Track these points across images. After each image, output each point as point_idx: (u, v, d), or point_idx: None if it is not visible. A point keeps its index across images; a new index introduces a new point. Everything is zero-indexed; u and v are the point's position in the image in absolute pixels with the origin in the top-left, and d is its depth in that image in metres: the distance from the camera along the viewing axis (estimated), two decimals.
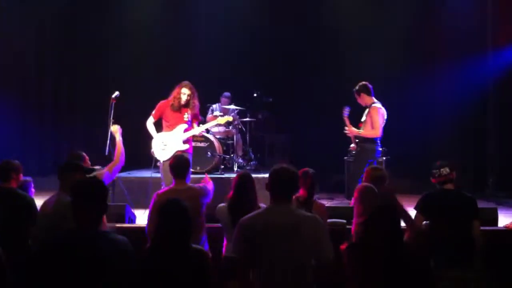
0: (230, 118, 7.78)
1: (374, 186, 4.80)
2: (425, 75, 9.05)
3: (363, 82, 7.11)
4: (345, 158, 8.36)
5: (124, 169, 5.90)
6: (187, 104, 6.98)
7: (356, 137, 7.14)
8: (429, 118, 9.53)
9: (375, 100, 7.05)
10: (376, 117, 6.89)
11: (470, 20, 9.38)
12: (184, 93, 6.92)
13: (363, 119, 7.11)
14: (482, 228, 4.88)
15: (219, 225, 5.31)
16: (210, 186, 5.37)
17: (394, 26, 9.67)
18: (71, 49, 10.49)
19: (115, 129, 5.84)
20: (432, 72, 9.39)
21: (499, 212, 6.44)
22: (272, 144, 10.55)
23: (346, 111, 7.07)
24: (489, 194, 8.88)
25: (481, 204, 5.99)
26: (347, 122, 7.09)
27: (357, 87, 7.10)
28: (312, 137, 10.08)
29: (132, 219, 6.27)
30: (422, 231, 4.75)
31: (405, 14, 9.67)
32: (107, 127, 6.55)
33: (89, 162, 5.36)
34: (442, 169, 4.87)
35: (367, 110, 7.04)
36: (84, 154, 5.28)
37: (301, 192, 4.93)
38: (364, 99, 7.07)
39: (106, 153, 7.03)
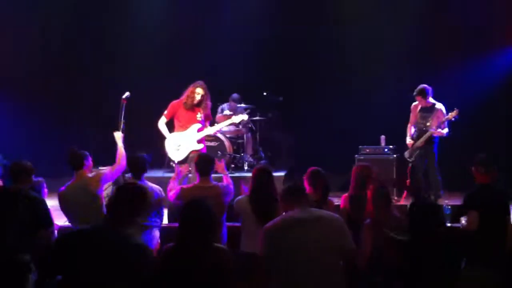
0: (245, 117, 7.75)
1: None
2: (430, 73, 8.95)
3: (425, 86, 7.50)
4: (356, 156, 8.36)
5: None
6: (199, 104, 6.98)
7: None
8: None
9: (434, 101, 7.56)
10: (443, 116, 7.39)
11: (478, 18, 9.32)
12: (198, 93, 6.94)
13: (425, 116, 7.52)
14: None
15: (235, 224, 5.39)
16: (231, 186, 5.45)
17: (402, 26, 9.61)
18: (79, 48, 10.54)
19: (118, 136, 5.96)
20: (438, 70, 9.31)
21: None
22: (281, 143, 10.55)
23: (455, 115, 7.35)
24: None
25: None
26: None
27: (420, 90, 7.49)
28: (321, 136, 10.07)
29: None
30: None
31: (412, 14, 9.61)
32: (118, 128, 6.58)
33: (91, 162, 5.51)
34: (492, 167, 4.83)
35: (433, 110, 7.50)
36: (87, 152, 5.48)
37: (312, 191, 4.93)
38: (429, 101, 7.53)
39: None
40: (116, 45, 10.53)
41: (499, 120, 9.30)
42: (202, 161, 5.34)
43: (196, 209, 3.52)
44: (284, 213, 3.85)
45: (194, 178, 5.98)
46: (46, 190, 5.37)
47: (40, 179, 5.32)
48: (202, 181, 5.24)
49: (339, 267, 3.57)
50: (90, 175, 5.39)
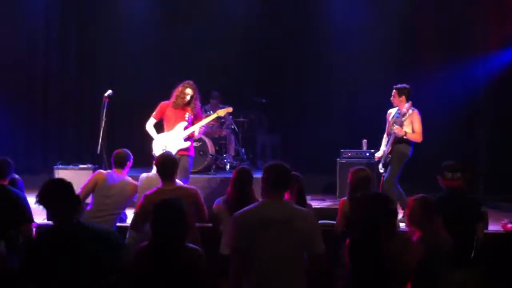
0: (230, 109, 7.62)
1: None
2: (413, 78, 8.97)
3: (406, 85, 7.00)
4: (338, 159, 8.39)
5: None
6: (189, 103, 6.92)
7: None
8: None
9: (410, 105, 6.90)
10: (419, 122, 6.84)
11: (460, 23, 9.43)
12: (188, 93, 6.82)
13: (397, 120, 6.91)
14: None
15: (210, 225, 5.35)
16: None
17: (383, 28, 9.68)
18: (65, 46, 10.44)
19: None
20: (421, 75, 9.36)
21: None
22: (264, 145, 10.55)
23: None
24: (479, 197, 8.89)
25: None
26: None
27: (400, 87, 6.99)
28: (304, 137, 10.09)
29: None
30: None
31: (393, 16, 9.67)
32: (99, 126, 6.51)
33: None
34: (455, 173, 4.88)
35: (407, 114, 6.78)
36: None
37: (287, 196, 4.90)
38: (402, 102, 6.94)
39: (98, 152, 7.01)
40: (101, 44, 10.44)
41: (481, 123, 9.40)
42: (164, 163, 4.98)
43: (169, 208, 3.48)
44: (257, 202, 3.78)
45: None
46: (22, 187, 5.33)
47: (17, 176, 5.28)
48: (166, 184, 4.94)
49: (304, 263, 3.53)
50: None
